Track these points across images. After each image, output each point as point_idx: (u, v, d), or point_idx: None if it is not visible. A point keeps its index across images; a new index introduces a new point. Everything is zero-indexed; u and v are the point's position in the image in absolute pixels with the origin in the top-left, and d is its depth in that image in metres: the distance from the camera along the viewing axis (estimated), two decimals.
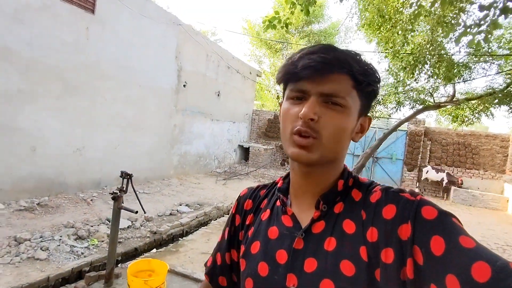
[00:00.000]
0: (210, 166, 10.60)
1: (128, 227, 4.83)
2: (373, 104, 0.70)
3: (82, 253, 3.85)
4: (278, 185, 0.74)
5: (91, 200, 5.74)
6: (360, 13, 5.33)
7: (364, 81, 0.60)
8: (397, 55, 4.87)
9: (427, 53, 4.58)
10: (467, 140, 10.84)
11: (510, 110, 6.72)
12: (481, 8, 2.39)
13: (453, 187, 10.34)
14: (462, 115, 7.44)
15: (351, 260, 0.55)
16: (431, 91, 6.06)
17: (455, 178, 10.41)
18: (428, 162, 11.14)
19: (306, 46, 0.63)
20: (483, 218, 8.36)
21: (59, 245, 3.85)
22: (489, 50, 5.74)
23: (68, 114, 5.77)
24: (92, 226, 4.57)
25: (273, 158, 12.90)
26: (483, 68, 6.39)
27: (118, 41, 6.58)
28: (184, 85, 8.81)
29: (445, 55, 5.01)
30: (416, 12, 3.68)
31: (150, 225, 5.03)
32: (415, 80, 5.24)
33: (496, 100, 6.05)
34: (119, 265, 3.79)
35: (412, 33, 4.69)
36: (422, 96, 6.16)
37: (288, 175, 0.73)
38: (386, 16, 4.80)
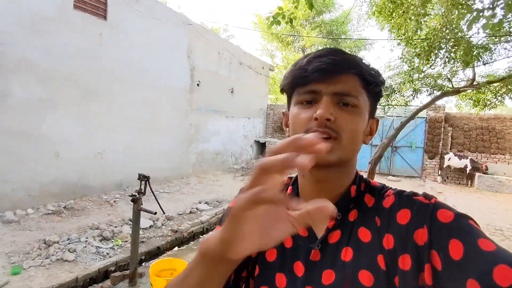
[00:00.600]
0: (227, 163, 10.70)
1: (150, 226, 4.96)
2: (389, 94, 0.69)
3: (107, 254, 4.00)
4: (288, 191, 0.70)
5: (114, 202, 5.94)
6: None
7: (373, 81, 0.60)
8: (411, 41, 4.72)
9: (442, 37, 4.42)
10: (491, 124, 10.42)
11: None
12: None
13: (477, 174, 9.99)
14: (484, 98, 7.14)
15: (369, 270, 0.54)
16: (449, 76, 5.84)
17: (479, 164, 10.05)
18: (450, 149, 10.80)
19: (310, 53, 0.63)
20: (510, 205, 8.05)
21: (85, 247, 4.02)
22: (511, 29, 5.48)
23: (88, 119, 5.96)
24: (116, 227, 4.73)
25: None
26: (505, 49, 6.10)
27: (130, 44, 6.71)
28: (197, 84, 8.89)
29: (462, 38, 4.82)
30: None
31: (171, 224, 5.15)
32: (431, 66, 5.07)
33: None
34: (143, 264, 3.92)
35: (425, 18, 4.53)
36: (439, 81, 5.95)
37: (296, 180, 0.71)
38: (398, 1, 4.66)
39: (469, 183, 10.33)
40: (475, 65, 5.63)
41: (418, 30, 4.62)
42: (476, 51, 5.26)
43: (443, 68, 5.45)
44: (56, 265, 3.60)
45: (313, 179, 0.63)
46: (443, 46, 4.79)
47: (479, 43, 5.47)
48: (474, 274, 0.42)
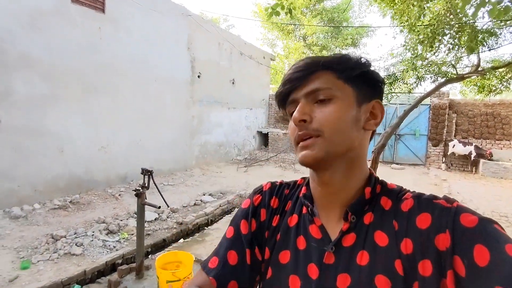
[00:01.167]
0: (230, 154, 10.72)
1: (155, 219, 5.02)
2: (392, 82, 0.69)
3: (114, 247, 4.06)
4: (303, 191, 0.69)
5: (119, 195, 5.99)
6: None
7: (345, 68, 0.60)
8: (414, 28, 4.63)
9: (447, 23, 4.32)
10: (496, 110, 10.30)
11: None
12: None
13: (482, 160, 9.93)
14: (489, 84, 7.03)
15: (386, 275, 0.53)
16: (453, 63, 5.74)
17: (484, 150, 9.98)
18: (454, 136, 10.72)
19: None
20: None
21: (92, 240, 4.08)
22: None
23: (91, 113, 5.98)
24: (121, 220, 4.79)
25: None
26: (511, 33, 5.98)
27: (130, 37, 6.66)
28: (198, 76, 8.85)
29: (466, 23, 4.71)
30: None
31: (176, 216, 5.20)
32: (435, 53, 4.98)
33: None
34: (149, 256, 3.98)
35: (428, 3, 4.42)
36: (444, 68, 5.86)
37: (309, 181, 0.70)
38: None
39: (474, 169, 10.27)
40: (480, 51, 5.53)
41: (422, 16, 4.53)
42: (481, 36, 5.16)
43: (447, 55, 5.36)
44: (64, 259, 3.67)
45: (320, 182, 0.63)
46: (447, 32, 4.69)
47: (484, 28, 5.36)
48: (501, 282, 0.41)
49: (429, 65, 5.42)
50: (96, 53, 5.97)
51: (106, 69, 6.20)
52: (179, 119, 8.33)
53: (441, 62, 5.51)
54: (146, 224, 4.63)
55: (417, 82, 6.20)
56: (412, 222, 0.54)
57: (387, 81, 5.95)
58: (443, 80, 5.79)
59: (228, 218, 5.47)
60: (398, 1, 4.64)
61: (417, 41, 4.85)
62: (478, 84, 7.20)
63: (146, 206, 3.06)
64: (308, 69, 0.60)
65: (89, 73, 5.89)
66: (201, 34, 8.78)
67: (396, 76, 5.99)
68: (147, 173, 3.06)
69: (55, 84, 5.37)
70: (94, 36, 5.93)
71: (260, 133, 12.62)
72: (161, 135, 7.70)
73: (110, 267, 3.71)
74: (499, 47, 5.59)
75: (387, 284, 0.53)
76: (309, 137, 0.58)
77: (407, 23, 4.69)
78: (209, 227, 5.18)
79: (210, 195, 6.48)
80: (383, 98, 0.70)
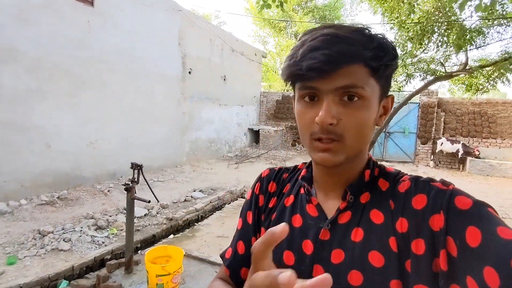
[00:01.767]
0: (221, 151, 10.69)
1: (145, 215, 4.98)
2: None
3: (103, 242, 4.01)
4: (302, 173, 0.71)
5: (108, 191, 5.92)
6: None
7: (381, 65, 0.54)
8: (403, 25, 4.68)
9: (435, 21, 4.38)
10: (483, 109, 10.51)
11: None
12: None
13: (469, 158, 10.14)
14: (477, 83, 7.16)
15: (380, 251, 0.54)
16: (442, 61, 5.83)
17: (471, 148, 10.18)
18: (443, 134, 10.91)
19: (306, 36, 0.56)
20: (501, 188, 8.22)
21: (80, 236, 4.02)
22: (504, 12, 5.46)
23: (79, 108, 5.87)
24: (110, 216, 4.74)
25: (284, 139, 12.89)
26: (498, 32, 6.08)
27: (119, 31, 6.56)
28: (189, 72, 8.78)
29: (455, 22, 4.79)
30: None
31: (166, 212, 5.17)
32: (424, 50, 5.05)
33: None
34: (139, 251, 3.95)
35: (418, 1, 4.48)
36: (433, 66, 5.94)
37: (310, 163, 0.71)
38: None
39: (461, 167, 10.48)
40: (468, 49, 5.63)
41: (411, 14, 4.58)
42: (469, 35, 5.25)
43: (436, 52, 5.44)
44: (51, 255, 3.61)
45: (325, 172, 0.64)
46: (436, 30, 4.76)
47: (472, 26, 5.45)
48: (491, 262, 0.42)
49: (419, 62, 5.49)
50: (84, 47, 5.87)
51: (95, 63, 6.10)
52: (170, 115, 8.26)
53: (430, 59, 5.59)
54: (135, 220, 4.59)
55: (406, 80, 6.28)
56: (408, 202, 0.55)
57: None
58: (432, 78, 5.88)
59: (218, 214, 5.46)
60: None
61: (407, 38, 4.91)
62: (466, 83, 7.33)
63: (135, 201, 3.03)
64: (338, 61, 0.52)
65: (78, 67, 5.79)
66: (193, 30, 8.71)
67: None
68: (136, 167, 3.04)
69: (42, 78, 5.25)
70: (82, 29, 5.82)
71: (251, 130, 12.61)
72: (151, 131, 7.62)
73: (99, 263, 3.66)
74: (486, 45, 5.70)
75: (380, 260, 0.54)
76: (331, 141, 0.55)
77: (397, 20, 4.75)
78: (199, 223, 5.16)
79: (200, 191, 6.46)
80: None
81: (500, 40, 6.02)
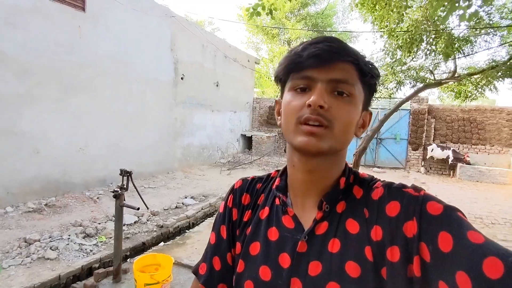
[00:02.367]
0: (213, 157, 10.64)
1: (135, 222, 4.90)
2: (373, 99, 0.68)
3: (91, 251, 3.93)
4: (276, 182, 0.69)
5: (98, 198, 5.83)
6: None
7: (369, 72, 0.59)
8: (393, 33, 4.76)
9: (424, 29, 4.47)
10: (472, 116, 10.69)
11: None
12: None
13: (459, 164, 10.26)
14: (465, 90, 7.30)
15: (356, 261, 0.54)
16: (431, 69, 5.93)
17: (461, 154, 10.33)
18: (433, 140, 11.05)
19: (306, 40, 0.62)
20: (490, 194, 8.32)
21: (68, 244, 3.93)
22: (490, 22, 5.59)
23: (69, 114, 5.80)
24: (99, 224, 4.65)
25: (276, 145, 12.91)
26: (485, 41, 6.22)
27: (111, 37, 6.53)
28: (182, 78, 8.77)
29: (442, 31, 4.89)
30: None
31: (156, 219, 5.09)
32: (413, 58, 5.14)
33: (499, 73, 5.90)
34: (128, 260, 3.87)
35: (407, 10, 4.57)
36: (422, 74, 6.04)
37: (284, 171, 0.70)
38: None
39: (451, 173, 10.60)
40: (456, 57, 5.73)
41: (400, 22, 4.66)
42: (457, 43, 5.35)
43: (424, 60, 5.53)
44: (37, 264, 3.52)
45: (304, 169, 0.62)
46: (424, 39, 4.85)
47: (460, 35, 5.56)
48: (463, 266, 0.43)
49: (408, 69, 5.58)
50: (75, 52, 5.82)
51: (85, 68, 6.05)
52: (162, 121, 8.21)
53: (420, 67, 5.69)
54: (125, 227, 4.52)
55: (397, 87, 6.36)
56: (382, 210, 0.55)
57: None
58: (421, 85, 5.96)
59: (210, 221, 5.41)
60: (378, 7, 4.76)
61: (396, 46, 4.99)
62: (455, 90, 7.46)
63: (125, 208, 2.98)
64: (338, 54, 0.56)
65: (68, 72, 5.73)
66: (185, 35, 8.71)
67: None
68: (126, 174, 2.99)
69: (31, 83, 5.18)
70: (73, 34, 5.77)
71: (244, 136, 12.60)
72: (143, 137, 7.56)
73: (87, 272, 3.58)
74: (474, 54, 5.82)
75: (357, 269, 0.53)
76: (320, 125, 0.55)
77: (387, 28, 4.82)
78: (190, 230, 5.10)
79: (192, 198, 6.40)
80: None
81: (488, 48, 6.16)
